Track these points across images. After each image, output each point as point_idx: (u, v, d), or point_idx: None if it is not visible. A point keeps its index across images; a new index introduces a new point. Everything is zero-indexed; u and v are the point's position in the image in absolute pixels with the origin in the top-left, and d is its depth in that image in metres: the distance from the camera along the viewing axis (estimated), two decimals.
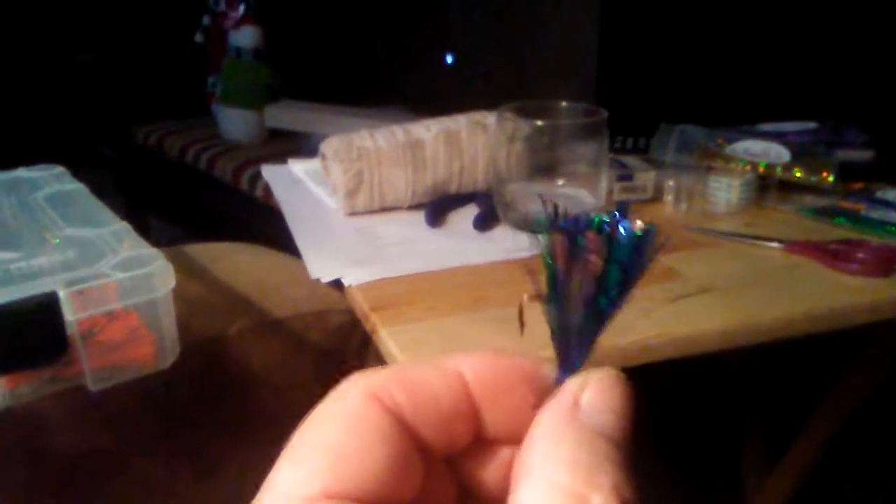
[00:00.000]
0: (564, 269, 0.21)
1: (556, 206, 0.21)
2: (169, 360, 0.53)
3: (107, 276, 0.48)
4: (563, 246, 0.21)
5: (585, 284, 0.21)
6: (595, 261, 0.20)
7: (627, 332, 0.64)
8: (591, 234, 0.21)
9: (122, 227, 0.57)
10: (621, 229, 0.21)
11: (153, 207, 2.36)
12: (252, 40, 2.02)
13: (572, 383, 0.20)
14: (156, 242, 0.57)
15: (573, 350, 0.21)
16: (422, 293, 0.72)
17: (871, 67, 1.45)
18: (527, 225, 0.84)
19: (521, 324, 0.23)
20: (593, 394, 0.20)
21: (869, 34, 1.53)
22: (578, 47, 1.85)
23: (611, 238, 0.21)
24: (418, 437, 0.20)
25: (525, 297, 0.22)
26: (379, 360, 0.70)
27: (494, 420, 0.21)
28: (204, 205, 2.13)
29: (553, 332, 0.21)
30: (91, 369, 0.49)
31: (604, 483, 0.17)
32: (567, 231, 0.20)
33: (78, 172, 0.71)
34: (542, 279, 0.21)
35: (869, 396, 1.02)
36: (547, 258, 0.21)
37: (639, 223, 0.21)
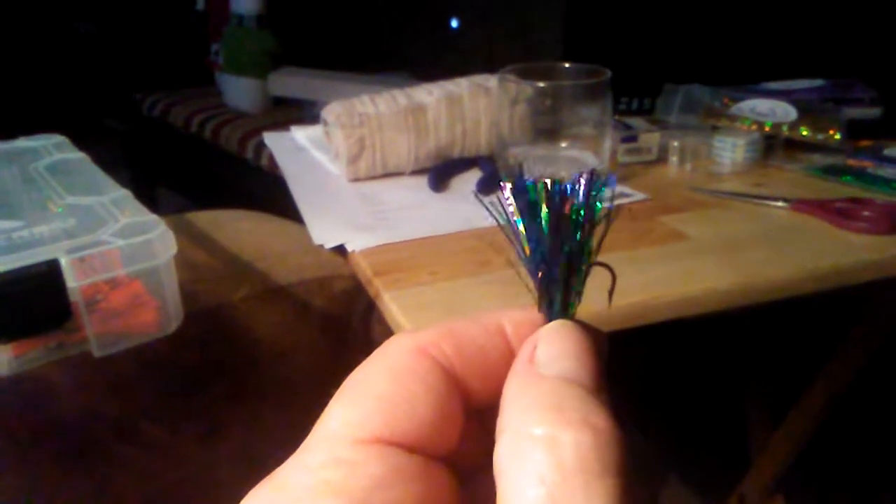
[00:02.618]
0: (527, 223, 0.21)
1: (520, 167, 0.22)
2: (173, 325, 0.53)
3: (108, 243, 0.48)
4: (522, 202, 0.21)
5: (547, 235, 0.21)
6: (552, 211, 0.21)
7: (632, 293, 0.64)
8: (541, 185, 0.21)
9: (124, 194, 0.57)
10: (570, 177, 0.21)
11: (159, 178, 2.36)
12: (254, 7, 2.00)
13: (528, 341, 0.20)
14: (163, 212, 0.57)
15: (554, 303, 0.22)
16: (425, 258, 0.72)
17: (879, 23, 1.42)
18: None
19: (529, 288, 0.23)
20: (545, 346, 0.20)
21: None
22: (584, 10, 1.82)
23: (562, 187, 0.21)
24: (465, 389, 0.21)
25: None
26: (383, 325, 0.70)
27: None
28: (210, 174, 2.13)
29: (533, 289, 0.22)
30: (95, 335, 0.49)
31: (572, 418, 0.17)
32: (520, 186, 0.21)
33: (83, 144, 0.71)
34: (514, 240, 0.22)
35: (875, 355, 1.02)
36: (509, 216, 0.21)
37: (590, 168, 0.22)
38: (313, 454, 0.18)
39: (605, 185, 0.22)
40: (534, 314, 0.22)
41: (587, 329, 0.21)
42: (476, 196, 0.19)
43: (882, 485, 1.31)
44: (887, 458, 1.35)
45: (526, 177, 0.21)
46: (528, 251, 0.22)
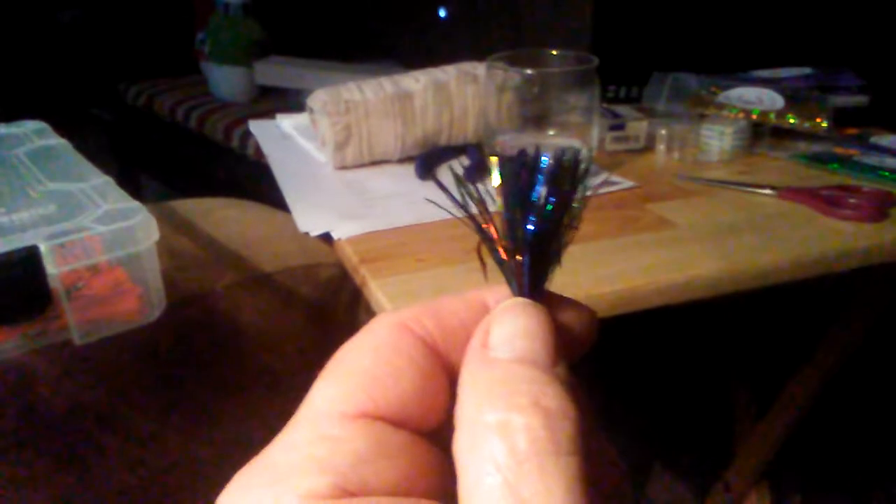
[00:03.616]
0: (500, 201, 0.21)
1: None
2: (155, 313, 0.52)
3: (88, 229, 0.48)
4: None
5: (516, 213, 0.21)
6: (519, 188, 0.21)
7: (618, 280, 0.64)
8: (510, 164, 0.21)
9: (105, 181, 0.56)
10: (541, 157, 0.21)
11: (145, 167, 2.34)
12: None
13: (480, 326, 0.20)
14: (148, 201, 0.56)
15: (525, 283, 0.21)
16: (412, 246, 0.72)
17: (867, 11, 1.42)
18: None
19: (483, 264, 0.23)
20: (497, 327, 0.20)
21: None
22: None
23: (531, 166, 0.21)
24: (449, 363, 0.21)
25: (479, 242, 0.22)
26: (369, 313, 0.70)
27: None
28: (196, 164, 2.11)
29: (501, 269, 0.22)
30: (76, 323, 0.48)
31: (521, 402, 0.17)
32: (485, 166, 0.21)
33: (68, 133, 0.70)
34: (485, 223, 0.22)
35: (861, 343, 1.02)
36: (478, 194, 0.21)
37: (568, 150, 0.21)
38: (299, 431, 0.19)
39: (578, 163, 0.21)
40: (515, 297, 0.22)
41: (537, 307, 0.20)
42: (438, 184, 0.19)
43: (865, 471, 1.32)
44: (871, 446, 1.36)
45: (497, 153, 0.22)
46: (493, 230, 0.21)
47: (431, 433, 0.20)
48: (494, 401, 0.17)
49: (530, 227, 0.21)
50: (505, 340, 0.19)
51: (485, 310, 0.21)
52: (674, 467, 1.34)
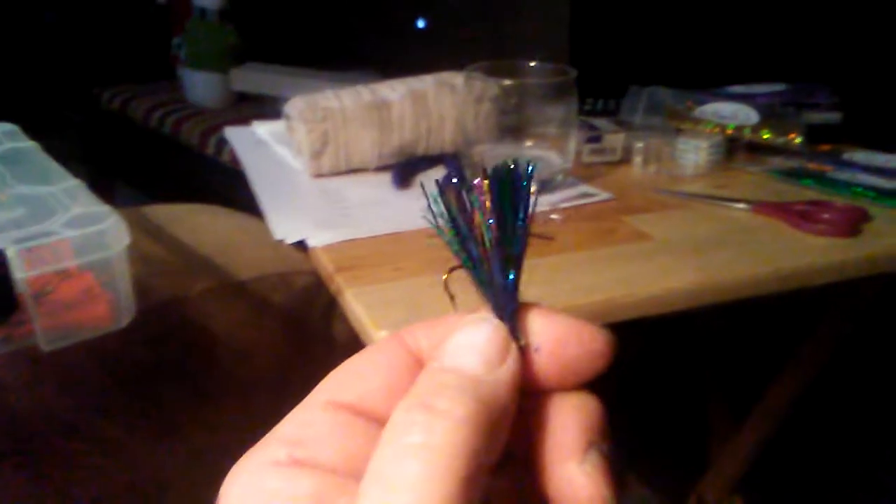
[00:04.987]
0: (461, 222, 0.22)
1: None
2: (125, 319, 0.51)
3: (57, 233, 0.47)
4: (455, 202, 0.22)
5: (478, 231, 0.22)
6: (479, 207, 0.22)
7: (594, 292, 0.64)
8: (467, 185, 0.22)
9: (75, 184, 0.55)
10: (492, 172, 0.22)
11: (119, 172, 2.32)
12: (217, 1, 1.98)
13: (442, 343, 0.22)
14: (120, 207, 0.55)
15: (499, 300, 0.22)
16: (388, 255, 0.71)
17: (839, 29, 1.45)
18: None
19: (451, 296, 0.24)
20: (448, 341, 0.21)
21: None
22: (552, 10, 1.83)
23: (490, 184, 0.22)
24: None
25: (444, 274, 0.23)
26: (344, 322, 0.69)
27: None
28: (170, 169, 2.09)
29: (478, 288, 0.22)
30: (43, 329, 0.47)
31: (412, 402, 0.19)
32: (451, 186, 0.22)
33: (41, 136, 0.68)
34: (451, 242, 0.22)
35: (835, 356, 1.03)
36: (444, 217, 0.22)
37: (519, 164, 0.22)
38: (288, 416, 0.22)
39: (530, 178, 0.22)
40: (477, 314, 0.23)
41: (495, 323, 0.22)
42: (427, 198, 0.19)
43: (839, 486, 1.33)
44: (846, 461, 1.37)
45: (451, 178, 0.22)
46: (468, 249, 0.22)
47: None
48: (406, 401, 0.19)
49: (499, 240, 0.22)
50: (449, 351, 0.21)
51: None
52: (648, 480, 1.34)
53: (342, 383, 0.22)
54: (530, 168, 0.22)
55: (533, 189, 0.22)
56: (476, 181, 0.22)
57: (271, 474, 0.20)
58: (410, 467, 0.18)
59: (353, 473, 0.20)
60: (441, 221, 0.22)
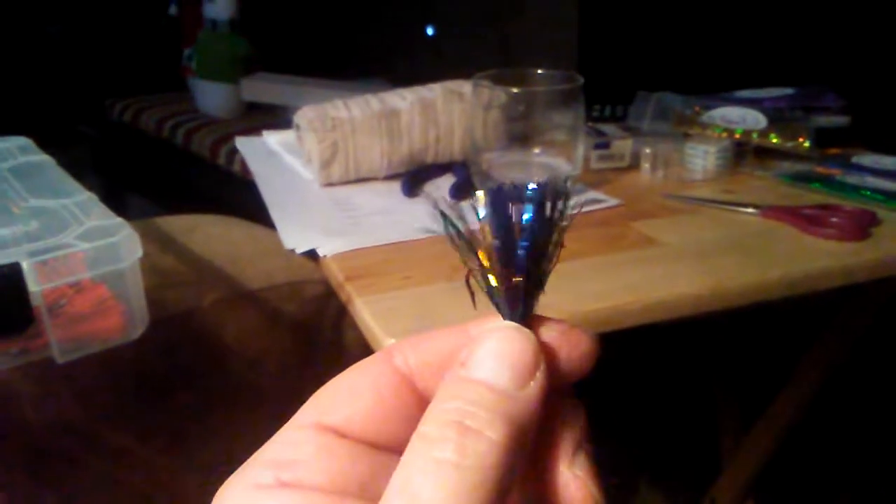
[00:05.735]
0: (482, 232, 0.22)
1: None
2: (138, 331, 0.52)
3: (71, 246, 0.47)
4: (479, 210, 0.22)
5: (502, 242, 0.22)
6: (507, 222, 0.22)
7: (603, 298, 0.65)
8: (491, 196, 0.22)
9: (88, 197, 0.56)
10: (522, 187, 0.22)
11: (131, 183, 2.33)
12: (228, 11, 1.99)
13: (467, 346, 0.22)
14: (133, 218, 0.55)
15: (512, 308, 0.22)
16: (397, 263, 0.72)
17: (847, 32, 1.45)
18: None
19: (472, 293, 0.24)
20: (478, 348, 0.21)
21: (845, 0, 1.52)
22: (560, 18, 1.83)
23: (521, 192, 0.22)
24: (425, 392, 0.23)
25: (466, 275, 0.23)
26: (355, 330, 0.69)
27: None
28: (182, 180, 2.11)
29: (489, 296, 0.23)
30: (58, 341, 0.48)
31: (446, 418, 0.19)
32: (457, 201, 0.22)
33: (54, 149, 0.69)
34: (470, 250, 0.23)
35: (845, 357, 1.03)
36: (460, 227, 0.23)
37: (552, 180, 0.22)
38: (274, 437, 0.22)
39: (566, 193, 0.22)
40: (501, 321, 0.23)
41: (527, 335, 0.21)
42: (436, 206, 0.20)
43: (851, 488, 1.32)
44: (857, 463, 1.36)
45: (490, 184, 0.23)
46: (483, 258, 0.22)
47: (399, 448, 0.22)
48: (438, 414, 0.20)
49: (521, 252, 0.22)
50: (479, 360, 0.21)
51: (468, 338, 0.23)
52: (660, 483, 1.34)
53: (328, 405, 0.22)
54: (530, 188, 0.22)
55: (554, 202, 0.22)
56: (477, 199, 0.22)
57: (258, 497, 0.20)
58: (440, 484, 0.18)
59: (340, 495, 0.20)
60: (451, 231, 0.23)
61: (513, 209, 0.22)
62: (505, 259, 0.22)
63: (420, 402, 0.22)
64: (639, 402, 1.48)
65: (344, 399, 0.22)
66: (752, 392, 1.20)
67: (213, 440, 0.65)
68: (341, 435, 0.22)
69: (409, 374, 0.23)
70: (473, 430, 0.19)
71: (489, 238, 0.22)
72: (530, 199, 0.22)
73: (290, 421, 0.22)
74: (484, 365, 0.20)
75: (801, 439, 1.16)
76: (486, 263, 0.22)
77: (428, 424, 0.19)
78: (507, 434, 0.19)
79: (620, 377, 1.46)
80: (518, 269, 0.22)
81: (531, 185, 0.22)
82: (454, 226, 0.22)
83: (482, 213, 0.22)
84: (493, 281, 0.22)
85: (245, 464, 0.22)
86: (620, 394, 1.47)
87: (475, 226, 0.23)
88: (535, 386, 0.20)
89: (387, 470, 0.21)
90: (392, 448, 0.22)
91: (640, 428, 1.44)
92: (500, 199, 0.22)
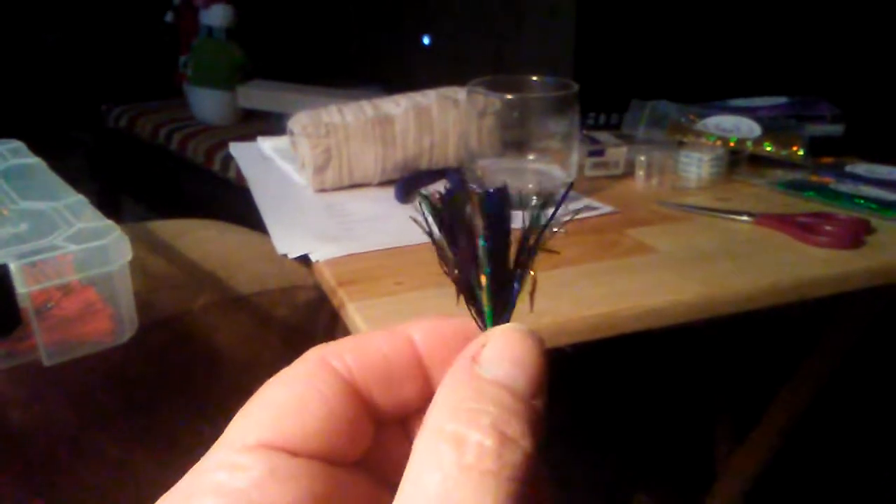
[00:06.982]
0: (453, 231, 0.22)
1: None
2: (127, 334, 0.52)
3: (60, 248, 0.47)
4: (447, 210, 0.22)
5: (471, 241, 0.22)
6: (471, 219, 0.22)
7: (598, 304, 0.64)
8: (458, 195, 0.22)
9: (79, 200, 0.55)
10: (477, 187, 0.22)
11: (126, 189, 2.33)
12: (224, 19, 1.99)
13: (477, 339, 0.21)
14: (127, 223, 0.55)
15: (488, 307, 0.22)
16: (390, 269, 0.71)
17: (841, 42, 1.45)
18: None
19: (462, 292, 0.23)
20: (492, 346, 0.20)
21: (838, 9, 1.53)
22: (556, 26, 1.84)
23: (478, 196, 0.22)
24: (369, 399, 0.22)
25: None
26: (347, 336, 0.69)
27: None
28: (176, 186, 2.10)
29: (463, 295, 0.22)
30: (45, 343, 0.48)
31: (482, 422, 0.18)
32: (442, 196, 0.22)
33: (49, 154, 0.69)
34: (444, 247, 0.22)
35: (839, 367, 1.02)
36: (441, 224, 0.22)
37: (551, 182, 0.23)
38: (209, 460, 0.20)
39: (552, 199, 0.22)
40: (443, 323, 0.23)
41: (536, 338, 0.21)
42: (419, 204, 0.19)
43: (846, 499, 1.32)
44: (852, 473, 1.36)
45: (474, 186, 0.22)
46: (457, 259, 0.22)
47: (359, 463, 0.21)
48: (460, 413, 0.18)
49: (485, 252, 0.22)
50: (494, 360, 0.20)
51: (409, 344, 0.22)
52: (655, 492, 1.33)
53: (272, 421, 0.20)
54: (496, 191, 0.22)
55: (530, 207, 0.22)
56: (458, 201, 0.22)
57: None
58: (480, 493, 0.17)
59: None
60: (435, 234, 0.22)
61: (502, 215, 0.22)
62: (491, 263, 0.22)
63: (365, 410, 0.21)
64: (633, 410, 1.48)
65: (291, 413, 0.20)
66: (746, 400, 1.20)
67: (203, 445, 0.64)
68: (293, 453, 0.20)
69: (352, 380, 0.21)
70: (511, 439, 0.18)
71: (475, 236, 0.22)
72: (489, 201, 0.22)
73: (222, 441, 0.20)
74: (499, 365, 0.20)
75: (795, 448, 1.15)
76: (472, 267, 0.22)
77: (457, 425, 0.18)
78: (535, 445, 0.18)
79: (614, 385, 1.46)
80: (508, 276, 0.22)
81: (494, 189, 0.22)
82: (439, 221, 0.22)
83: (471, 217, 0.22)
84: (482, 283, 0.22)
85: (180, 490, 0.19)
86: (614, 402, 1.47)
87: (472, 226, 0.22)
88: (545, 397, 0.20)
89: (346, 487, 0.20)
90: (343, 461, 0.21)
91: (634, 436, 1.43)
92: (490, 205, 0.22)
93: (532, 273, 0.22)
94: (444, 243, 0.22)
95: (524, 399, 0.19)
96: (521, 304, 0.22)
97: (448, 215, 0.22)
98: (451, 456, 0.18)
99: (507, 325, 0.21)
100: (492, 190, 0.22)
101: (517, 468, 0.18)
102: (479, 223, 0.22)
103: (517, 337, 0.20)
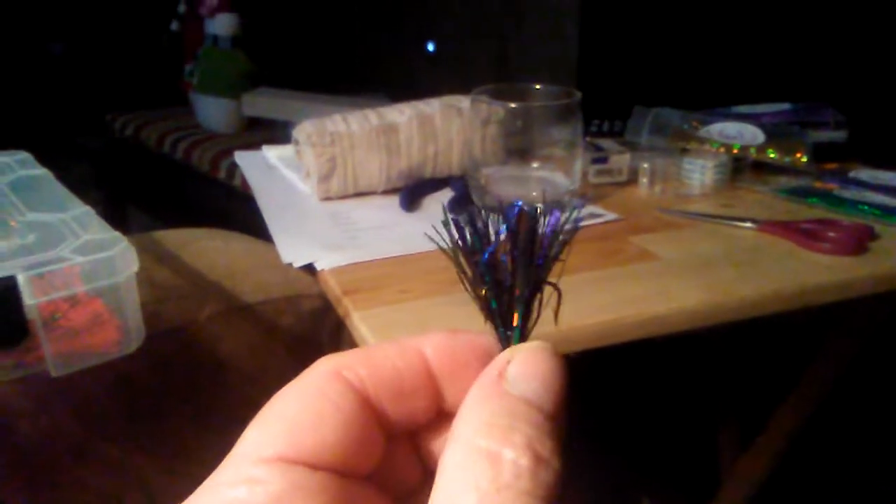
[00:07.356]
0: (481, 247, 0.22)
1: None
2: (133, 345, 0.52)
3: (67, 259, 0.47)
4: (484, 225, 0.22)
5: (502, 259, 0.22)
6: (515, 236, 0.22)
7: (601, 312, 0.64)
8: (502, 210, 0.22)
9: (86, 211, 0.56)
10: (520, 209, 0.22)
11: (131, 198, 2.34)
12: (229, 28, 2.00)
13: (502, 355, 0.21)
14: (134, 232, 0.55)
15: (509, 324, 0.22)
16: (395, 277, 0.72)
17: (844, 48, 1.45)
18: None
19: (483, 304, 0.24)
20: (519, 364, 0.20)
21: (842, 15, 1.53)
22: (559, 33, 1.84)
23: (525, 211, 0.22)
24: (380, 412, 0.22)
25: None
26: (352, 345, 0.69)
27: (454, 395, 0.22)
28: (182, 194, 2.11)
29: (484, 311, 0.23)
30: (53, 354, 0.48)
31: (517, 441, 0.18)
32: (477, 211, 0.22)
33: (55, 163, 0.69)
34: (464, 262, 0.23)
35: (844, 374, 1.02)
36: (468, 242, 0.22)
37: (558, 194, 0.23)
38: (224, 474, 0.20)
39: (570, 212, 0.22)
40: (455, 337, 0.23)
41: (559, 356, 0.21)
42: (445, 215, 0.20)
43: None
44: (857, 480, 1.35)
45: (492, 202, 0.23)
46: (478, 274, 0.22)
47: (370, 477, 0.21)
48: (493, 430, 0.19)
49: (526, 271, 0.22)
50: (521, 378, 0.20)
51: (420, 358, 0.22)
52: (660, 499, 1.33)
53: (289, 434, 0.20)
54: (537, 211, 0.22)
55: (553, 225, 0.22)
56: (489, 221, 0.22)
57: None
58: None
59: None
60: (450, 246, 0.23)
61: (529, 232, 0.22)
62: (521, 279, 0.22)
63: (377, 422, 0.22)
64: (638, 416, 1.47)
65: (307, 425, 0.20)
66: (752, 406, 1.20)
67: (209, 454, 0.65)
68: (312, 467, 0.20)
69: (365, 392, 0.21)
70: (544, 458, 0.18)
71: (502, 251, 0.22)
72: (527, 217, 0.22)
73: (235, 454, 0.20)
74: (527, 383, 0.20)
75: (800, 454, 1.15)
76: (485, 277, 0.22)
77: (489, 441, 0.18)
78: (563, 465, 0.19)
79: (619, 392, 1.46)
80: (530, 290, 0.22)
81: (531, 205, 0.22)
82: (463, 238, 0.22)
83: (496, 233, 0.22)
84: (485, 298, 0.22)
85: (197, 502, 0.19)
86: (619, 408, 1.46)
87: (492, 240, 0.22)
88: (565, 416, 0.20)
89: (359, 500, 0.20)
90: (356, 474, 0.21)
91: (639, 443, 1.43)
92: (519, 222, 0.22)
93: (557, 288, 0.23)
94: (464, 260, 0.22)
95: (553, 418, 0.19)
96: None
97: (472, 232, 0.22)
98: (487, 474, 0.18)
99: (533, 342, 0.22)
100: (518, 207, 0.22)
101: (550, 488, 0.18)
102: (505, 240, 0.22)
103: (544, 356, 0.21)
